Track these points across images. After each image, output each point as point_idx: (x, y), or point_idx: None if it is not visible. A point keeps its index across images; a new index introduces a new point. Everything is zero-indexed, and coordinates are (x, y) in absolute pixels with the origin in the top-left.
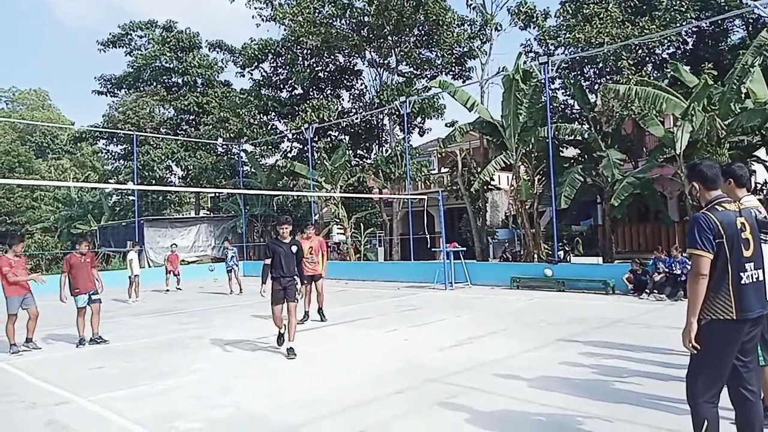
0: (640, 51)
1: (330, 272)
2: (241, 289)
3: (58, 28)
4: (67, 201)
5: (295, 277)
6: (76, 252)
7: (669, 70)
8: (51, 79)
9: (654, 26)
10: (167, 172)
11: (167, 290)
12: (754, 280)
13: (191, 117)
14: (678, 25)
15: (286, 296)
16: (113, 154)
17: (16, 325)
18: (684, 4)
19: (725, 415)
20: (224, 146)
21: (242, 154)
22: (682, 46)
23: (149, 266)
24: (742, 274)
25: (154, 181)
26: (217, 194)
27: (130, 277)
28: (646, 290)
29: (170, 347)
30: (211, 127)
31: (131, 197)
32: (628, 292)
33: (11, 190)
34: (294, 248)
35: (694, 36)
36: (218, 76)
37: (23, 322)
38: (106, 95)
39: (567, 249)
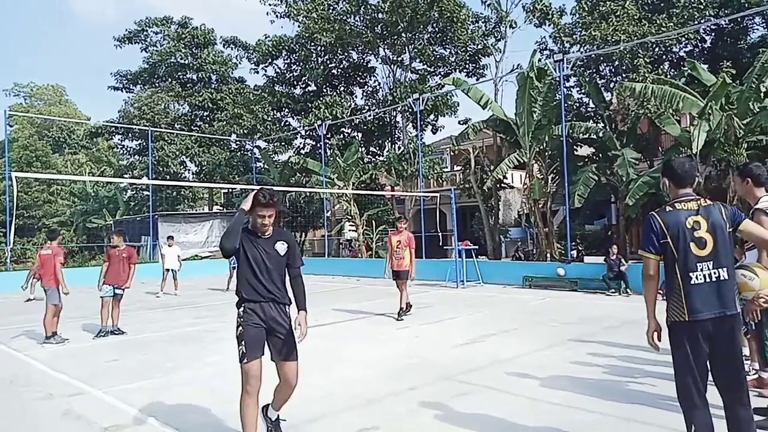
0: (656, 49)
1: (342, 269)
2: (228, 287)
3: (76, 24)
4: (82, 195)
5: (286, 305)
6: (112, 245)
7: (686, 69)
8: (68, 75)
9: (671, 24)
10: (181, 167)
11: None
12: (711, 279)
13: (205, 113)
14: (696, 22)
15: (270, 344)
16: (128, 149)
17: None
18: (702, 1)
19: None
20: (238, 142)
21: (255, 150)
22: (699, 44)
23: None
24: (691, 274)
25: (168, 177)
26: (230, 190)
27: (165, 271)
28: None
29: (185, 341)
30: (224, 123)
31: (146, 192)
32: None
33: (28, 184)
34: (282, 248)
35: (713, 34)
36: (232, 73)
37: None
38: (122, 91)
39: (580, 248)
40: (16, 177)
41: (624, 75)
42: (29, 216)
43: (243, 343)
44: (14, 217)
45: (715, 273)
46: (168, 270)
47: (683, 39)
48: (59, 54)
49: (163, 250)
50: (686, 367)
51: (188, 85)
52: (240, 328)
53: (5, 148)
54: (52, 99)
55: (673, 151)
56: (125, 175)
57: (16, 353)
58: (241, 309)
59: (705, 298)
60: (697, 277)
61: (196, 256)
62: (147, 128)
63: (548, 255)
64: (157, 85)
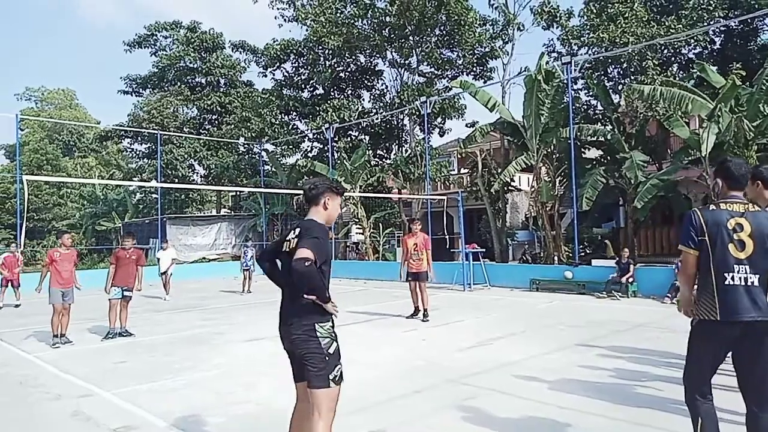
0: (665, 51)
1: (349, 272)
2: (250, 290)
3: (87, 29)
4: (92, 198)
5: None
6: (122, 247)
7: (695, 71)
8: (78, 79)
9: (680, 26)
10: (190, 170)
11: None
12: (746, 283)
13: (214, 116)
14: (705, 24)
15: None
16: (137, 152)
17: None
18: (712, 2)
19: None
20: (246, 146)
21: (263, 153)
22: (709, 46)
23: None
24: (727, 274)
25: (176, 180)
26: (238, 193)
27: (161, 274)
28: (668, 294)
29: (192, 343)
30: (233, 126)
31: (154, 195)
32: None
33: (39, 187)
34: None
35: (722, 35)
36: (241, 76)
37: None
38: (132, 95)
39: (588, 251)
40: (27, 180)
41: (632, 77)
42: (39, 219)
43: (340, 362)
44: (25, 220)
45: (750, 278)
46: (164, 273)
47: (692, 41)
48: (70, 59)
49: (158, 254)
50: (703, 364)
51: (197, 89)
52: (334, 344)
53: (17, 152)
54: (62, 103)
55: (681, 154)
56: (134, 178)
57: (27, 355)
58: (330, 323)
59: (739, 300)
60: (732, 279)
61: (204, 258)
62: (156, 132)
63: (555, 258)
64: (166, 89)
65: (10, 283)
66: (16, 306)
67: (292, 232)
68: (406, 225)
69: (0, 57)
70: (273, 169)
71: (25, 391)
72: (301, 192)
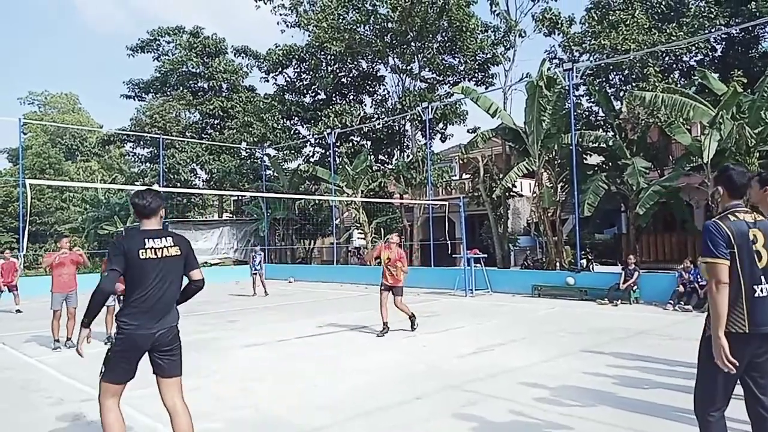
0: (666, 58)
1: (350, 277)
2: (266, 291)
3: (89, 34)
4: (94, 202)
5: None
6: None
7: (697, 78)
8: (81, 83)
9: (682, 33)
10: (192, 175)
11: None
12: (765, 294)
13: (216, 121)
14: (707, 31)
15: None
16: (140, 156)
17: (60, 322)
18: (713, 10)
19: (739, 427)
20: (248, 150)
21: (265, 158)
22: (710, 53)
23: None
24: (756, 287)
25: (179, 184)
26: (240, 197)
27: None
28: (670, 301)
29: (191, 348)
30: (235, 131)
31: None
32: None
33: (41, 190)
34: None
35: (724, 43)
36: (243, 81)
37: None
38: (134, 99)
39: (590, 257)
40: (29, 184)
41: (634, 84)
42: (42, 222)
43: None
44: (28, 224)
45: (765, 288)
46: None
47: (694, 48)
48: (73, 63)
49: None
50: (722, 377)
51: (199, 94)
52: (116, 350)
53: (19, 155)
54: (65, 107)
55: (683, 161)
56: (136, 183)
57: (28, 359)
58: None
59: (765, 311)
60: (761, 290)
61: (206, 263)
62: (158, 136)
63: (557, 264)
64: (168, 93)
65: (7, 289)
66: (17, 311)
67: (161, 239)
68: (407, 230)
69: (3, 60)
70: (275, 174)
71: (28, 395)
72: (144, 203)
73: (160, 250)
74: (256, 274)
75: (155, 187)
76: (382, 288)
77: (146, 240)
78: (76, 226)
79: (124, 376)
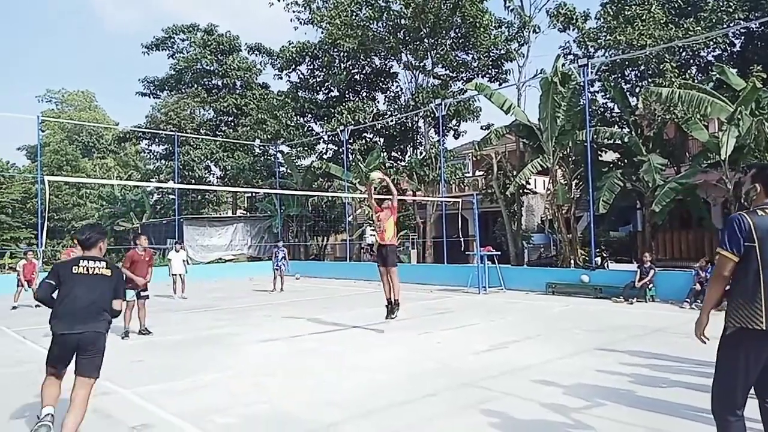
0: (683, 53)
1: (363, 274)
2: (282, 287)
3: (106, 33)
4: (110, 199)
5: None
6: (138, 248)
7: (714, 73)
8: (97, 81)
9: (699, 28)
10: (206, 172)
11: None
12: None
13: (230, 118)
14: (725, 26)
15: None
16: (155, 153)
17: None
18: (732, 4)
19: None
20: (261, 147)
21: (279, 155)
22: (729, 48)
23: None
24: None
25: (193, 181)
26: (253, 194)
27: (173, 276)
28: (687, 299)
29: (207, 343)
30: (248, 128)
31: (171, 196)
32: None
33: (59, 187)
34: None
35: (742, 37)
36: (257, 79)
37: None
38: (149, 97)
39: (605, 255)
40: (48, 180)
41: (650, 80)
42: (59, 219)
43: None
44: (46, 220)
45: None
46: (175, 275)
47: (711, 43)
48: (90, 61)
49: (169, 255)
50: (741, 375)
51: (213, 91)
52: None
53: (38, 153)
54: (82, 104)
55: (700, 157)
56: (152, 179)
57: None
58: None
59: None
60: None
61: (220, 259)
62: (173, 133)
63: (572, 261)
64: (183, 91)
65: (27, 284)
66: (36, 306)
67: (95, 262)
68: (420, 227)
69: (21, 58)
70: (288, 171)
71: None
72: (84, 237)
73: (92, 269)
74: (278, 269)
75: (170, 184)
76: (379, 268)
77: (81, 261)
78: (93, 223)
79: (58, 361)
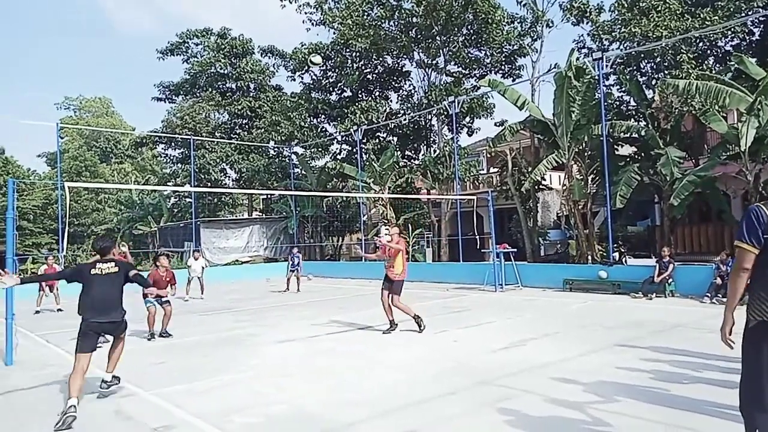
0: (700, 44)
1: (378, 274)
2: (299, 288)
3: (120, 38)
4: (128, 203)
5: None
6: (160, 269)
7: (733, 63)
8: (114, 87)
9: (716, 17)
10: (222, 174)
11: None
12: None
13: (244, 121)
14: (743, 15)
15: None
16: (171, 157)
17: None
18: None
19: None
20: (276, 149)
21: (293, 156)
22: (747, 38)
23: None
24: None
25: (209, 184)
26: (269, 196)
27: (189, 278)
28: (707, 294)
29: (226, 344)
30: (263, 130)
31: (188, 199)
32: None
33: (78, 193)
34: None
35: (762, 26)
36: (270, 81)
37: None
38: (165, 101)
39: (623, 250)
40: (68, 186)
41: (666, 72)
42: (79, 224)
43: None
44: (66, 225)
45: None
46: (192, 278)
47: (729, 33)
48: (106, 68)
49: (188, 262)
50: (765, 368)
51: (228, 94)
52: None
53: (57, 159)
54: (99, 111)
55: (719, 149)
56: (168, 183)
57: (71, 355)
58: None
59: None
60: None
61: (237, 261)
62: (189, 137)
63: (589, 257)
64: (198, 95)
65: (48, 288)
66: (58, 310)
67: (107, 264)
68: (435, 225)
69: (40, 66)
70: (303, 172)
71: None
72: (99, 246)
73: (105, 270)
74: (294, 271)
75: (187, 187)
76: (382, 286)
77: (97, 264)
78: (112, 227)
79: (88, 346)
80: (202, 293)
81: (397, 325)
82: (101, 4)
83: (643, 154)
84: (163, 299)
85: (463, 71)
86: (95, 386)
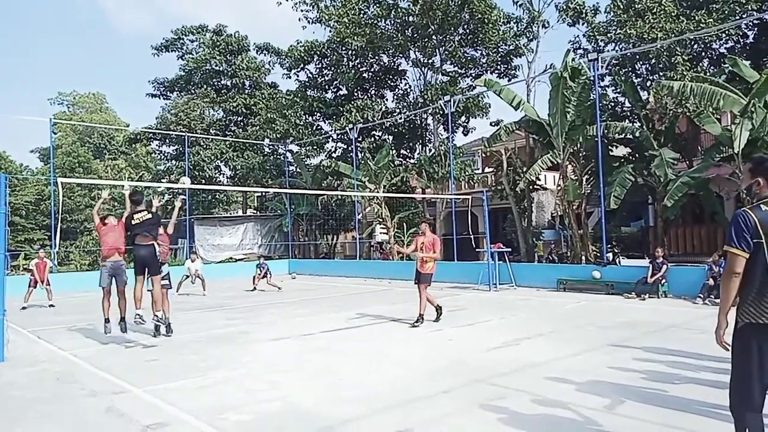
0: (695, 46)
1: (373, 272)
2: (280, 287)
3: (116, 35)
4: (122, 199)
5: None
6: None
7: (727, 65)
8: (108, 83)
9: (711, 20)
10: (216, 171)
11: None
12: None
13: (239, 118)
14: (738, 17)
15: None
16: (165, 154)
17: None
18: None
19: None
20: (271, 147)
21: (288, 154)
22: (741, 40)
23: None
24: None
25: (203, 181)
26: (263, 194)
27: (185, 275)
28: (700, 295)
29: (219, 342)
30: (258, 128)
31: (182, 196)
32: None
33: (71, 189)
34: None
35: (755, 29)
36: (265, 78)
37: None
38: (160, 98)
39: (616, 251)
40: (61, 182)
41: (661, 73)
42: (72, 220)
43: None
44: (60, 221)
45: None
46: (187, 276)
47: (724, 35)
48: (100, 63)
49: (186, 263)
50: (755, 367)
51: (223, 92)
52: None
53: (50, 155)
54: (93, 106)
55: (713, 151)
56: (162, 180)
57: (63, 352)
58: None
59: None
60: None
61: (231, 258)
62: (183, 134)
63: (583, 257)
64: (192, 91)
65: (38, 284)
66: (50, 306)
67: (141, 212)
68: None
69: (33, 61)
70: (298, 170)
71: (62, 387)
72: (136, 198)
73: (141, 217)
74: (264, 277)
75: (184, 181)
76: (415, 282)
77: (135, 214)
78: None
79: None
80: (203, 290)
81: (423, 320)
82: (101, 5)
83: (637, 155)
84: (163, 280)
85: (459, 71)
86: (87, 383)
